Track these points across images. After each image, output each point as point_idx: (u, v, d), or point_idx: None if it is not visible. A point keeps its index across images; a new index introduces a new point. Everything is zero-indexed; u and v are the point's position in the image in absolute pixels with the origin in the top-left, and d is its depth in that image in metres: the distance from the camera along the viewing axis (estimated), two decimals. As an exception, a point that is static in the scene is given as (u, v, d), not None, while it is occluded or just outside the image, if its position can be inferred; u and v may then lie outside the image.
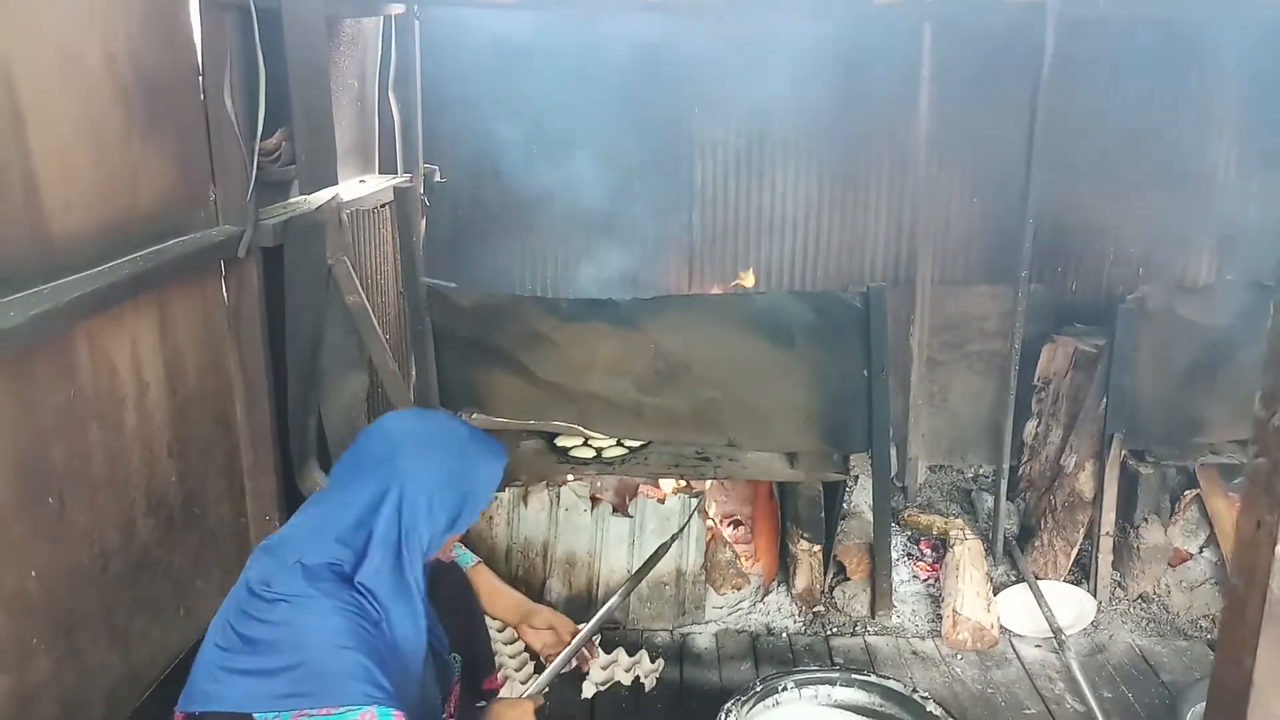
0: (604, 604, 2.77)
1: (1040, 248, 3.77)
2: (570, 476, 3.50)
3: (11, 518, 1.89)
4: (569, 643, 2.52)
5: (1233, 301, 3.45)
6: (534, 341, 3.38)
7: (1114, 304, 3.59)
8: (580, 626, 2.59)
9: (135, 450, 2.32)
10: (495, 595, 2.62)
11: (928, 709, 2.59)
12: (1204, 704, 2.73)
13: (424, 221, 3.87)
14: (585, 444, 3.53)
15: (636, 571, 2.96)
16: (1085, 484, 3.57)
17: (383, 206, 3.71)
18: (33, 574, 1.95)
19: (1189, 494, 3.61)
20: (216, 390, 2.73)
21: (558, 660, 2.48)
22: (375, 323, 3.24)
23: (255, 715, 1.80)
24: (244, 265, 2.80)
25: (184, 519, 2.54)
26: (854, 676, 2.74)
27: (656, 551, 3.01)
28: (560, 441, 3.55)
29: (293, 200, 3.14)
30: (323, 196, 3.14)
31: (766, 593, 3.65)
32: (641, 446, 3.51)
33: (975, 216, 4.18)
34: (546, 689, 2.49)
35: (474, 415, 3.54)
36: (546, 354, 3.39)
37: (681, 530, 3.30)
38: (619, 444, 3.52)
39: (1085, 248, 4.21)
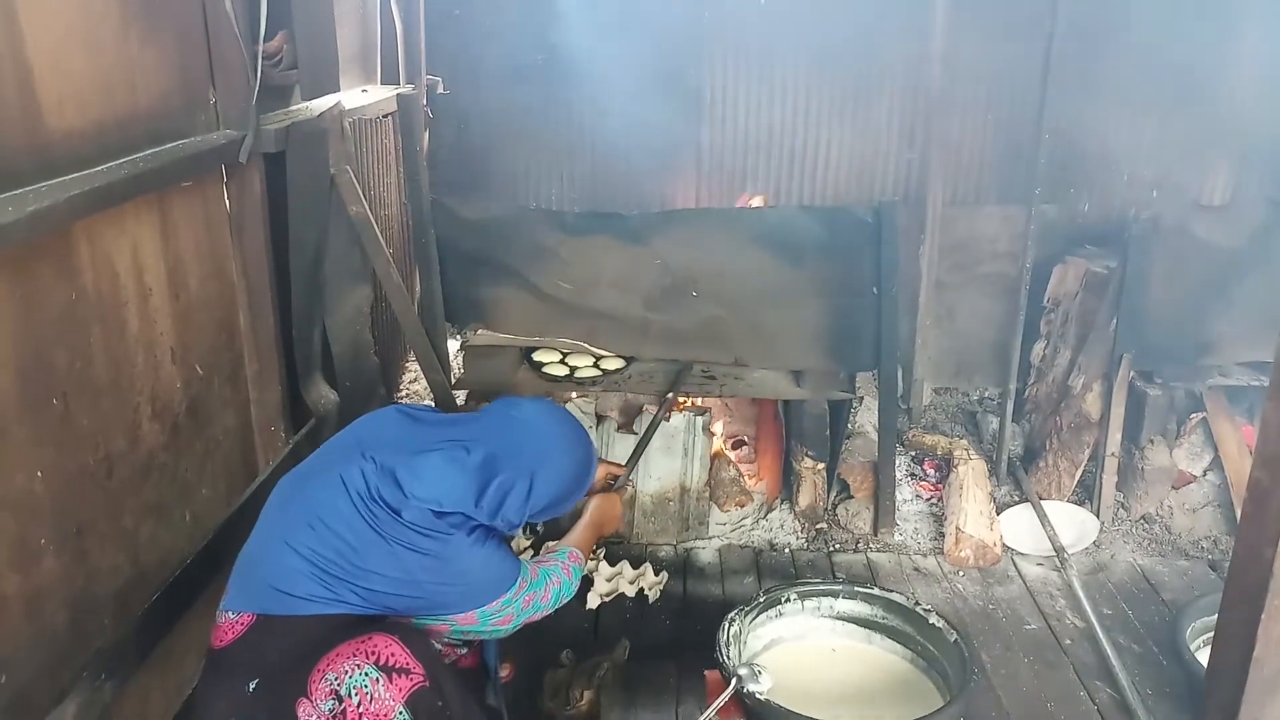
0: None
1: (1053, 168, 3.70)
2: (574, 394, 3.49)
3: (16, 418, 1.87)
4: (625, 466, 2.87)
5: (1249, 220, 3.40)
6: (540, 256, 3.34)
7: (1127, 226, 3.55)
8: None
9: (139, 355, 2.30)
10: None
11: (930, 621, 2.61)
12: (1205, 619, 2.76)
13: (427, 134, 3.80)
14: (562, 361, 3.50)
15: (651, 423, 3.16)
16: (1092, 405, 3.56)
17: (385, 117, 3.64)
18: (39, 474, 1.94)
19: (1195, 417, 3.61)
20: (220, 298, 2.70)
21: (628, 465, 2.89)
22: (379, 235, 3.20)
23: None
24: (246, 171, 2.75)
25: (189, 426, 2.53)
26: (856, 589, 2.76)
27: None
28: (538, 357, 3.52)
29: (294, 107, 3.08)
30: (325, 103, 3.07)
31: (770, 510, 3.67)
32: (624, 367, 3.49)
33: (988, 135, 4.10)
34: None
35: (479, 331, 3.52)
36: (552, 268, 3.36)
37: (682, 379, 3.38)
38: (596, 365, 3.50)
39: (1099, 168, 4.13)
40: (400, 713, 1.89)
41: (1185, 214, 3.43)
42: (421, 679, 1.93)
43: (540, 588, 2.29)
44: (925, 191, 4.02)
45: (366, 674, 1.89)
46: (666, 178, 4.18)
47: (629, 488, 2.88)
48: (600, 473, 2.78)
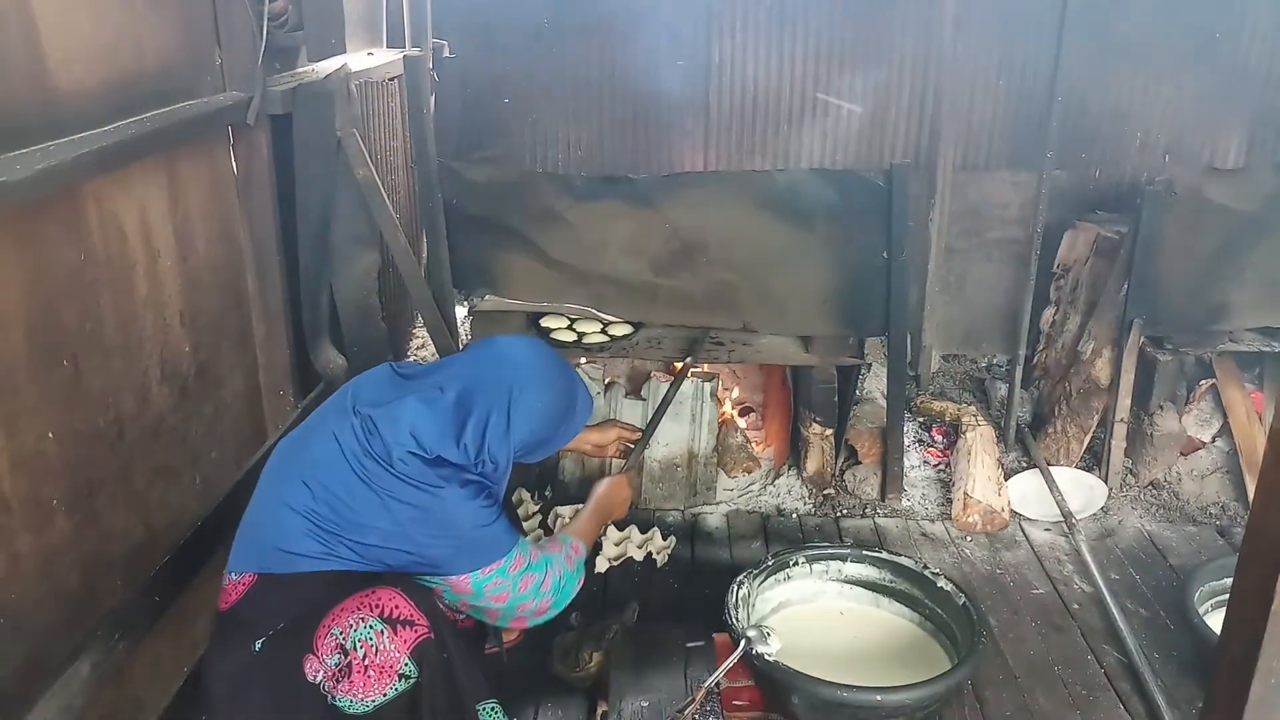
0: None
1: (1065, 133, 3.67)
2: (582, 360, 3.48)
3: (27, 377, 1.88)
4: (641, 432, 2.87)
5: (1262, 185, 3.37)
6: (547, 220, 3.32)
7: (1138, 192, 3.52)
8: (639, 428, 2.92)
9: (147, 318, 2.29)
10: None
11: (938, 584, 2.62)
12: (1213, 583, 2.76)
13: (433, 98, 3.76)
14: (570, 327, 3.50)
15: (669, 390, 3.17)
16: (1102, 371, 3.54)
17: (391, 80, 3.61)
18: (50, 435, 1.94)
19: (1205, 383, 3.59)
20: (227, 261, 2.70)
21: (640, 443, 2.86)
22: (386, 198, 3.18)
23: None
24: (253, 133, 2.74)
25: (198, 389, 2.53)
26: (865, 553, 2.76)
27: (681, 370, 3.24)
28: (545, 323, 3.51)
29: (300, 69, 3.06)
30: (331, 65, 3.05)
31: (777, 476, 3.67)
32: (632, 334, 3.50)
33: (1000, 99, 4.05)
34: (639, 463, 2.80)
35: (486, 297, 3.51)
36: (560, 234, 3.34)
37: (700, 345, 3.39)
38: (603, 332, 3.50)
39: (1111, 133, 4.09)
40: (406, 663, 1.90)
41: (1198, 178, 3.39)
42: (426, 630, 1.94)
43: (541, 572, 2.22)
44: (935, 156, 3.99)
45: (371, 626, 1.90)
46: (673, 146, 4.14)
47: (638, 471, 2.82)
48: (612, 434, 2.79)
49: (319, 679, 1.92)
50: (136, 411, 2.26)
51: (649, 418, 3.15)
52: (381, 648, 1.89)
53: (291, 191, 2.94)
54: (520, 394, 2.16)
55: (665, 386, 3.40)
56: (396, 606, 1.93)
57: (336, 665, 1.90)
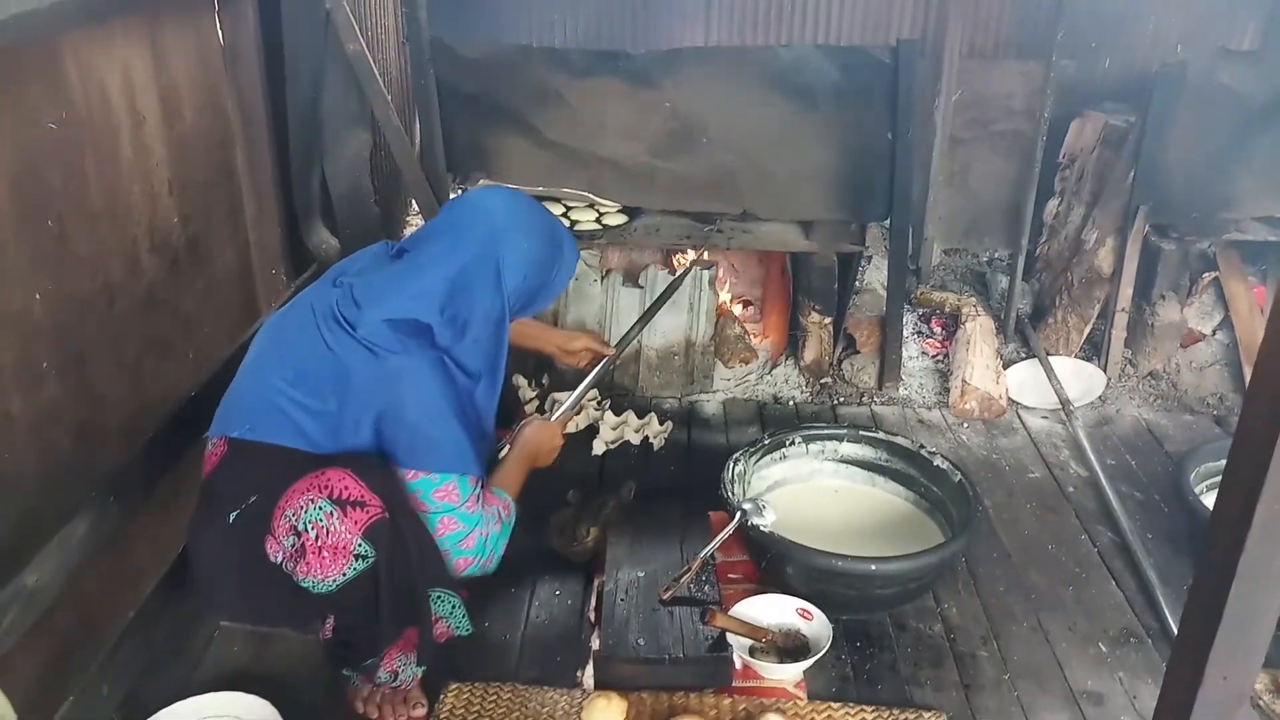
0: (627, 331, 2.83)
1: (1075, 20, 3.56)
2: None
3: (10, 235, 1.83)
4: (607, 355, 2.65)
5: (1276, 70, 3.28)
6: (544, 99, 3.24)
7: (1148, 82, 3.43)
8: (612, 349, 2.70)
9: (134, 184, 2.24)
10: (526, 327, 2.67)
11: (934, 464, 2.62)
12: (1209, 464, 2.77)
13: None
14: (565, 215, 3.43)
15: (658, 299, 2.92)
16: (1104, 260, 3.50)
17: (382, -47, 3.49)
18: (37, 296, 1.91)
19: (1207, 276, 3.56)
20: (216, 133, 2.63)
21: (590, 377, 2.59)
22: (377, 76, 3.09)
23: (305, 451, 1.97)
24: (239, 3, 2.64)
25: (189, 262, 2.49)
26: (861, 433, 2.76)
27: (674, 281, 2.99)
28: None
29: (286, -63, 2.94)
30: (318, -68, 2.94)
31: (774, 366, 3.66)
32: (628, 223, 3.43)
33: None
34: (578, 408, 2.54)
35: (481, 180, 3.44)
36: (556, 113, 3.26)
37: (696, 261, 3.31)
38: (598, 221, 3.44)
39: (1122, 21, 3.98)
40: (359, 544, 1.86)
41: (1212, 61, 3.30)
42: (379, 511, 1.87)
43: (492, 520, 2.09)
44: (942, 42, 3.88)
45: (320, 508, 1.85)
46: (675, 20, 4.02)
47: (574, 417, 2.51)
48: (579, 342, 2.69)
49: (280, 559, 1.90)
50: (126, 280, 2.22)
51: (642, 310, 3.09)
52: (332, 529, 1.84)
53: (281, 66, 2.86)
54: (502, 241, 2.08)
55: (662, 275, 3.37)
56: (346, 488, 1.86)
57: (292, 546, 1.87)
